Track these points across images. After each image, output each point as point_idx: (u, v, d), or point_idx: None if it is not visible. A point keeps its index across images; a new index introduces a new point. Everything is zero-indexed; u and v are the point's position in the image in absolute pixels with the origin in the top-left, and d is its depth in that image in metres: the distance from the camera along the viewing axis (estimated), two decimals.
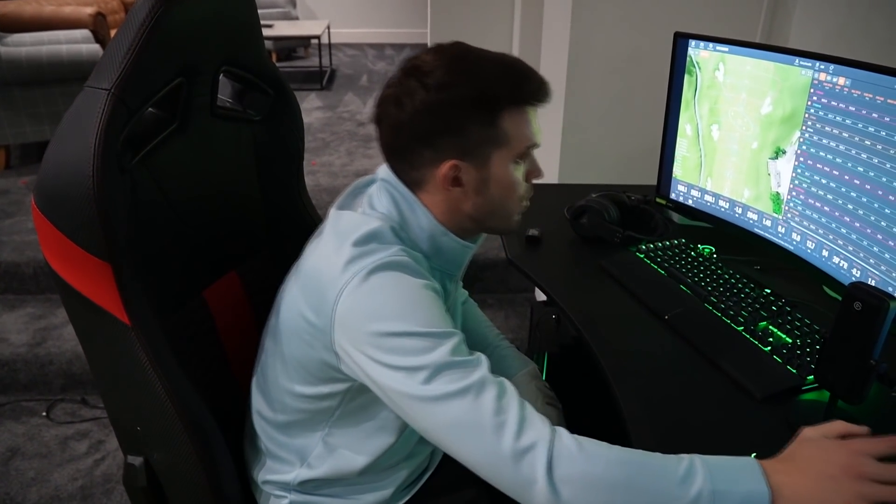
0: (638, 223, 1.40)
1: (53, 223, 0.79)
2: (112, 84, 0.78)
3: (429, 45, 3.84)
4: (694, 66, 1.29)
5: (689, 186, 1.38)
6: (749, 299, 1.11)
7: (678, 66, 1.32)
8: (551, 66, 2.15)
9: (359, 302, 0.78)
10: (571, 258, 1.34)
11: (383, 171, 0.90)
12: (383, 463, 0.95)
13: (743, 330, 1.04)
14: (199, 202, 1.01)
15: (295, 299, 0.86)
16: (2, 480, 1.82)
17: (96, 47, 3.34)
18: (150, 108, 0.90)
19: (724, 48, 1.21)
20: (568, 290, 1.22)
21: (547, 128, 2.19)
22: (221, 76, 1.01)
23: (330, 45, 6.19)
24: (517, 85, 0.84)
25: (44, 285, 2.49)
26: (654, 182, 1.47)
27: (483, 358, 0.77)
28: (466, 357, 0.75)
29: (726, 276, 1.18)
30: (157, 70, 0.85)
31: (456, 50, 0.86)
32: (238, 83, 1.09)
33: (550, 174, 2.14)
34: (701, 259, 1.25)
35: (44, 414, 2.08)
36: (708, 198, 1.34)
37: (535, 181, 0.92)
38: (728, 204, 1.29)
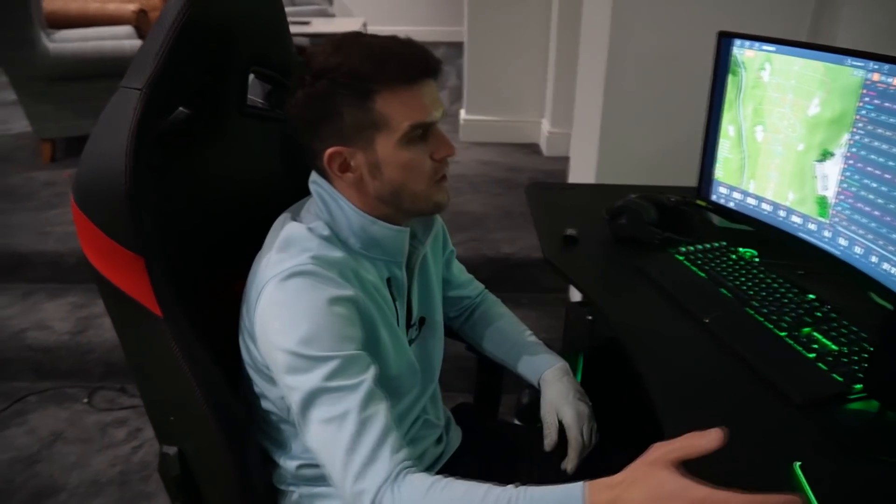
0: (677, 225, 1.38)
1: (90, 217, 0.82)
2: (143, 84, 0.81)
3: (465, 43, 3.81)
4: (738, 66, 1.26)
5: (731, 188, 1.35)
6: (792, 304, 1.09)
7: (721, 66, 1.30)
8: (590, 66, 2.14)
9: (268, 308, 0.82)
10: (609, 259, 1.33)
11: (315, 176, 0.92)
12: None
13: (786, 336, 1.02)
14: (229, 198, 1.02)
15: (242, 304, 0.91)
16: (46, 462, 1.88)
17: (139, 43, 3.40)
18: (181, 107, 0.92)
19: (771, 48, 1.19)
20: (605, 291, 1.21)
21: (585, 127, 2.18)
22: (251, 76, 1.02)
23: None
24: (382, 65, 0.82)
25: (85, 275, 2.50)
26: (692, 184, 1.45)
27: (361, 385, 0.78)
28: (342, 383, 0.78)
29: (768, 281, 1.16)
30: (187, 69, 0.87)
31: (341, 38, 0.86)
32: (267, 82, 1.10)
33: (588, 174, 2.12)
34: (742, 262, 1.23)
35: (85, 400, 2.14)
36: (750, 200, 1.31)
37: (447, 157, 0.90)
38: (771, 207, 1.27)
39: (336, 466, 0.76)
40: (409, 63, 0.83)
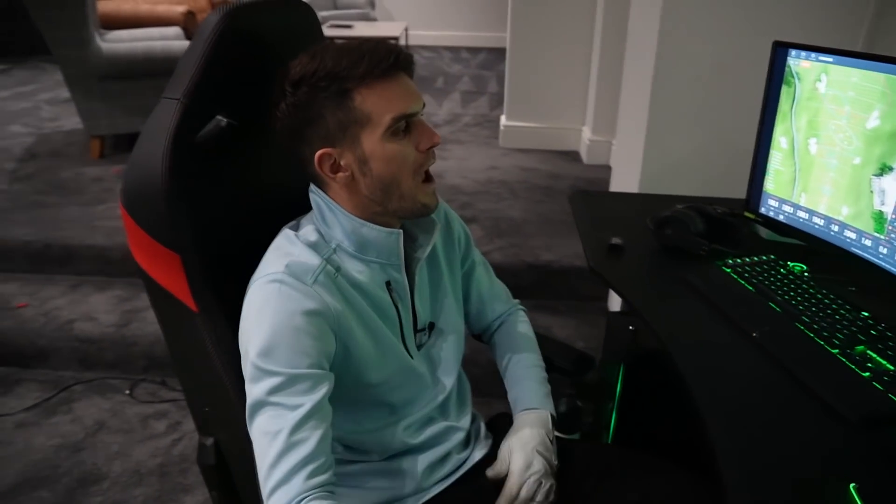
0: (723, 237, 1.36)
1: (133, 217, 0.90)
2: (181, 94, 0.87)
3: (508, 49, 3.82)
4: (793, 77, 1.24)
5: (781, 201, 1.33)
6: (845, 321, 1.06)
7: (775, 77, 1.28)
8: (636, 73, 2.12)
9: (245, 308, 0.88)
10: (654, 269, 1.32)
11: (311, 187, 0.95)
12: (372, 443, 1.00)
13: (838, 353, 0.99)
14: (264, 202, 1.04)
15: None
16: (90, 450, 1.92)
17: (186, 44, 3.47)
18: (218, 116, 0.95)
19: (829, 58, 1.16)
20: (650, 301, 1.19)
21: (629, 136, 2.16)
22: None
23: (407, 47, 6.27)
24: (355, 63, 0.85)
25: (131, 269, 2.57)
26: (737, 196, 1.42)
27: (300, 408, 0.82)
28: (283, 400, 0.82)
29: (819, 296, 1.13)
30: (224, 80, 0.91)
31: (315, 47, 0.89)
32: None
33: (631, 183, 2.10)
34: (791, 277, 1.20)
35: (127, 392, 2.18)
36: (801, 214, 1.29)
37: (430, 146, 0.91)
38: (823, 221, 1.24)
39: (261, 476, 0.82)
40: (381, 58, 0.86)
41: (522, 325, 1.19)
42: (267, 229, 0.98)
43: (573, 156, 3.71)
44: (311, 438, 0.82)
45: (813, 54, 1.19)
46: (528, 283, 2.44)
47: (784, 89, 1.27)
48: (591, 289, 2.44)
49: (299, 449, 0.81)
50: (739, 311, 1.13)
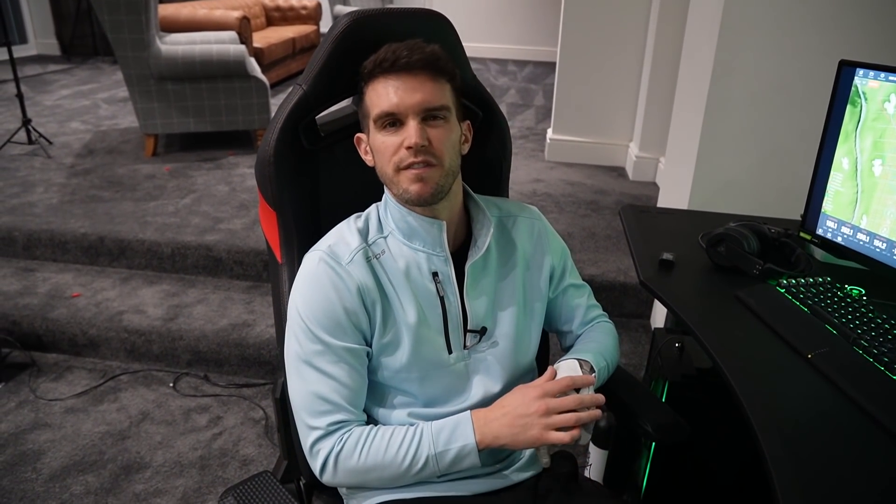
0: (777, 257, 1.34)
1: (259, 184, 1.08)
2: (304, 81, 1.05)
3: (557, 63, 3.82)
4: (859, 97, 1.22)
5: (840, 223, 1.30)
6: None
7: (840, 96, 1.25)
8: (690, 89, 2.10)
9: (298, 274, 1.00)
10: (705, 286, 1.30)
11: None
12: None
13: None
14: (351, 185, 1.13)
15: None
16: (134, 439, 1.97)
17: (242, 48, 3.57)
18: (334, 105, 1.11)
19: None
20: (701, 317, 1.18)
21: (680, 152, 2.14)
22: None
23: None
24: (370, 62, 0.96)
25: (179, 265, 2.68)
26: (790, 216, 1.40)
27: (337, 378, 0.95)
28: (323, 367, 0.95)
29: (879, 321, 1.10)
30: (342, 74, 1.04)
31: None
32: None
33: (680, 200, 2.08)
34: (849, 300, 1.17)
35: (171, 385, 2.23)
36: (861, 236, 1.26)
37: (407, 147, 0.94)
38: (885, 244, 1.21)
39: (300, 423, 0.99)
40: (384, 58, 0.94)
41: (606, 329, 1.18)
42: (346, 207, 1.09)
43: (619, 171, 3.68)
44: (346, 405, 0.96)
45: (883, 74, 1.17)
46: None
47: (849, 109, 1.24)
48: (635, 305, 2.42)
49: (336, 413, 0.95)
50: (794, 331, 1.10)
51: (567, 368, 1.03)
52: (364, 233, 1.01)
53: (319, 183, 1.11)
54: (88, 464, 1.87)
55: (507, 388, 1.03)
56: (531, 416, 0.93)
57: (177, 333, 2.32)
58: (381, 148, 0.96)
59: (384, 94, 0.94)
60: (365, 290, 0.97)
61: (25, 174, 3.39)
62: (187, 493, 1.77)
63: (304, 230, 1.08)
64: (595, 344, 1.12)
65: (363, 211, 1.07)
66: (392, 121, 0.95)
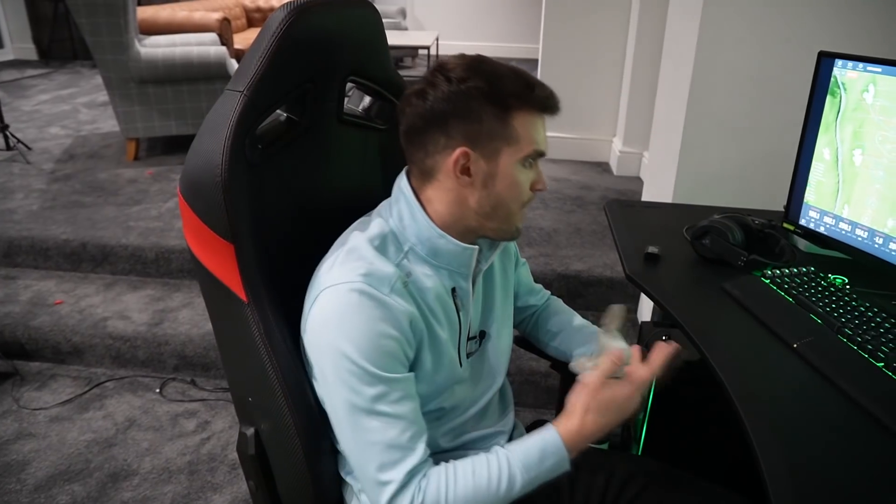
0: (762, 248, 1.34)
1: (190, 206, 0.90)
2: (244, 87, 0.87)
3: (540, 59, 3.84)
4: (838, 87, 1.23)
5: (822, 213, 1.31)
6: (889, 335, 1.04)
7: (820, 87, 1.26)
8: (672, 83, 2.11)
9: (321, 314, 0.87)
10: (691, 278, 1.31)
11: (402, 178, 0.96)
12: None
13: (884, 366, 0.97)
14: (321, 198, 1.06)
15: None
16: (121, 446, 1.95)
17: (223, 49, 3.54)
18: (282, 112, 0.97)
19: (877, 68, 1.15)
20: (687, 310, 1.18)
21: (663, 146, 2.15)
22: (353, 86, 1.06)
23: (438, 56, 6.30)
24: (528, 88, 0.89)
25: (163, 269, 2.65)
26: (774, 207, 1.41)
27: (404, 419, 0.87)
28: (387, 409, 0.86)
29: (862, 309, 1.11)
30: (287, 75, 0.92)
31: (476, 56, 0.92)
32: (366, 93, 1.13)
33: (664, 194, 2.09)
34: (833, 289, 1.18)
35: (157, 390, 2.21)
36: (843, 226, 1.27)
37: (538, 191, 0.96)
38: (867, 233, 1.22)
39: (369, 478, 0.88)
40: (550, 96, 0.91)
41: (561, 303, 1.28)
42: (320, 226, 1.00)
43: (603, 167, 3.70)
44: (418, 443, 0.88)
45: (861, 64, 1.18)
46: (559, 292, 2.40)
47: (829, 100, 1.25)
48: (622, 299, 2.43)
49: (410, 457, 0.86)
50: (779, 321, 1.11)
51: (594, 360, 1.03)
52: (391, 255, 0.92)
53: (264, 202, 0.95)
54: (75, 472, 1.84)
55: (501, 376, 1.09)
56: (626, 399, 0.93)
57: (162, 338, 2.30)
58: (518, 182, 0.92)
59: (542, 132, 0.92)
60: (415, 321, 0.90)
61: (4, 180, 3.34)
62: (176, 500, 1.76)
63: (264, 260, 0.93)
64: (581, 325, 1.20)
65: (330, 224, 0.98)
66: (532, 162, 0.93)
